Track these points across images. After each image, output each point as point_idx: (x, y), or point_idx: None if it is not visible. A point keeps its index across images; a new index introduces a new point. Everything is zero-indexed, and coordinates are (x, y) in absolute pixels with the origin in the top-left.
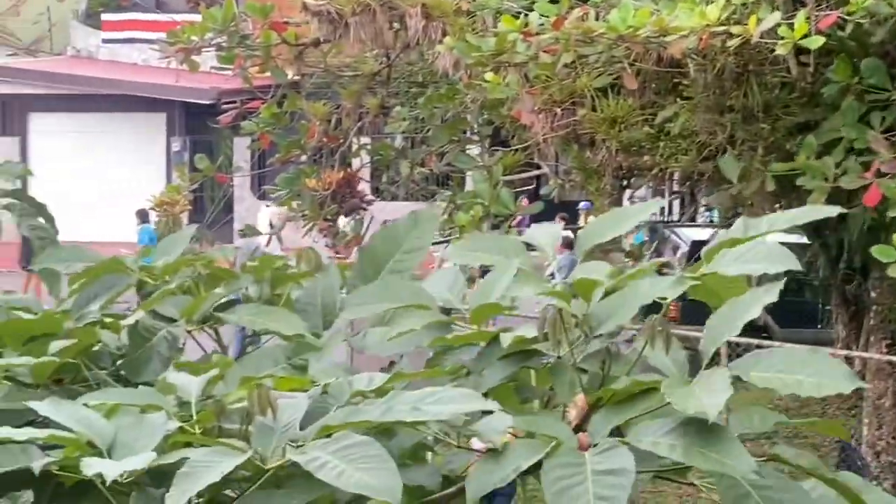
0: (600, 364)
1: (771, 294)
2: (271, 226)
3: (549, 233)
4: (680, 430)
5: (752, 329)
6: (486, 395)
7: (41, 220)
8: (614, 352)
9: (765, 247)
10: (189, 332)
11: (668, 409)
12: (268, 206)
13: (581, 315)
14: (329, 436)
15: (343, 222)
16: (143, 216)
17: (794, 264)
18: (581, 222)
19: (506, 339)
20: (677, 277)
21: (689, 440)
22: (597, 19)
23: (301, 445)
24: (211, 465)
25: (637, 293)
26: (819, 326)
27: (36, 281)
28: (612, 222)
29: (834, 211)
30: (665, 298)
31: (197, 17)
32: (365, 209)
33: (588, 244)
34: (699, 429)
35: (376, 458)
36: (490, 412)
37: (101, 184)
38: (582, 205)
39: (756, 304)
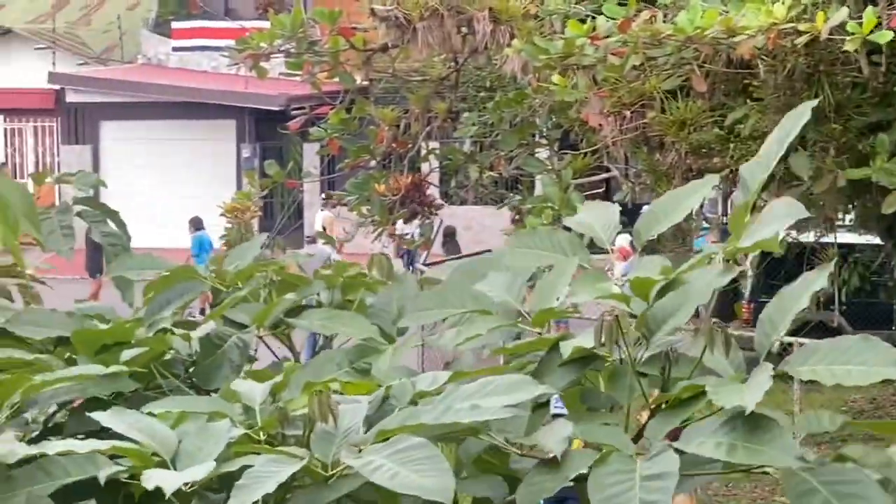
0: (661, 368)
1: (820, 280)
2: (323, 229)
3: (603, 217)
4: (727, 427)
5: (825, 330)
6: (548, 402)
7: (113, 226)
8: (674, 355)
9: (772, 209)
10: (261, 338)
11: (723, 411)
12: (322, 210)
13: (639, 317)
14: (387, 439)
15: (402, 228)
16: (196, 224)
17: (802, 212)
18: None
19: (566, 348)
20: (724, 265)
21: (736, 436)
22: (665, 21)
23: (359, 450)
24: (268, 474)
25: (693, 291)
26: (893, 328)
27: (99, 287)
28: (669, 205)
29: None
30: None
31: (265, 24)
32: (434, 214)
33: (647, 233)
34: (746, 423)
35: (430, 459)
36: (546, 404)
37: (172, 190)
38: (646, 208)
39: (806, 293)
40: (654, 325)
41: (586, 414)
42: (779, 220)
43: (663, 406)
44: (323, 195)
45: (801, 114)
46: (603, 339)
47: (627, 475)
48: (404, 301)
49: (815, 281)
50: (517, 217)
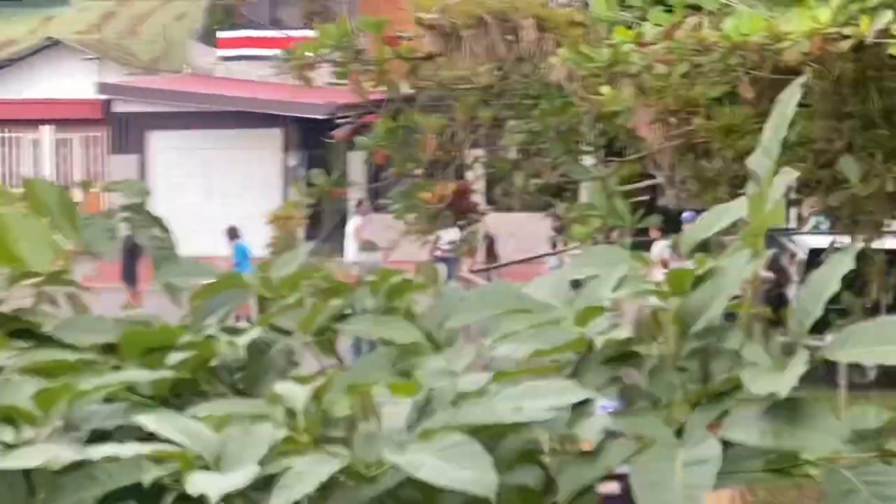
0: (700, 362)
1: (847, 262)
2: (353, 234)
3: (608, 260)
4: (770, 415)
5: None
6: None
7: (159, 232)
8: (712, 348)
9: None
10: (306, 344)
11: (763, 400)
12: (354, 215)
13: (674, 310)
14: (429, 438)
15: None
16: (233, 233)
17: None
18: None
19: (599, 342)
20: (752, 251)
21: (780, 422)
22: (711, 27)
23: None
24: (309, 474)
25: (725, 280)
26: None
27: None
28: (714, 217)
29: None
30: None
31: (311, 33)
32: (478, 221)
33: (691, 242)
34: (788, 410)
35: (473, 454)
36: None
37: (218, 199)
38: (685, 215)
39: (835, 275)
40: (689, 318)
41: (627, 410)
42: (777, 191)
43: (703, 400)
44: (355, 202)
45: (793, 95)
46: (639, 333)
47: (668, 462)
48: (450, 307)
49: (842, 262)
50: (562, 225)
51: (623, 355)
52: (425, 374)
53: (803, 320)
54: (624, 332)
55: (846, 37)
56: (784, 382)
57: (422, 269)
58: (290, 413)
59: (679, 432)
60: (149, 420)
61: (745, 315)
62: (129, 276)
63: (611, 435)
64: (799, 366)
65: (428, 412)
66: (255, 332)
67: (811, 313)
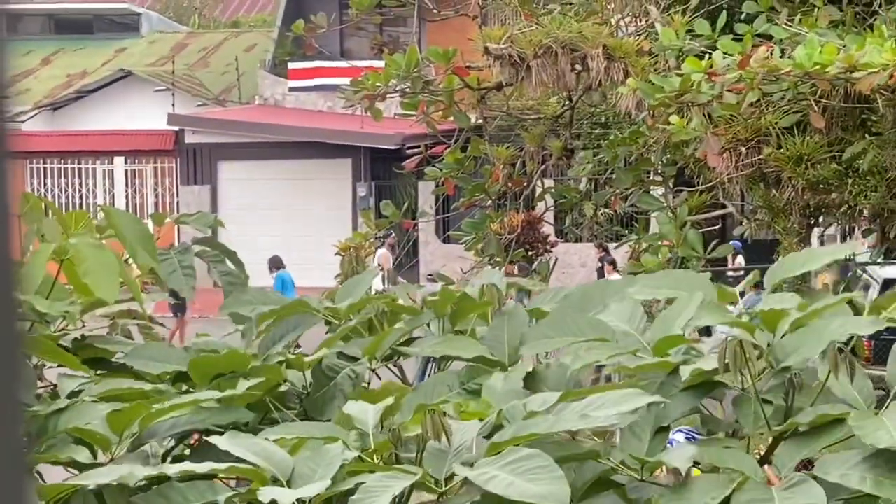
0: (784, 395)
1: None
2: (380, 265)
3: (630, 313)
4: (870, 462)
5: None
6: (668, 428)
7: (231, 265)
8: (798, 382)
9: None
10: (374, 370)
11: (855, 441)
12: (380, 247)
13: (766, 346)
14: (499, 453)
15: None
16: (275, 263)
17: None
18: (730, 264)
19: (685, 371)
20: (873, 316)
21: (880, 472)
22: (781, 56)
23: (472, 465)
24: (382, 489)
25: (828, 328)
26: None
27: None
28: (803, 259)
29: None
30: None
31: (380, 64)
32: (549, 251)
33: (777, 279)
34: (889, 459)
35: (544, 468)
36: (666, 430)
37: (289, 229)
38: (732, 243)
39: None
40: (782, 355)
41: (707, 438)
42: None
43: (788, 434)
44: (380, 234)
45: None
46: (727, 361)
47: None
48: (516, 330)
49: None
50: (634, 255)
51: (705, 384)
52: (494, 394)
53: None
54: (711, 363)
55: None
56: None
57: (487, 293)
58: (361, 434)
59: (761, 463)
60: (222, 441)
61: (832, 349)
62: (176, 307)
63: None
64: None
65: (498, 430)
66: (321, 358)
67: None
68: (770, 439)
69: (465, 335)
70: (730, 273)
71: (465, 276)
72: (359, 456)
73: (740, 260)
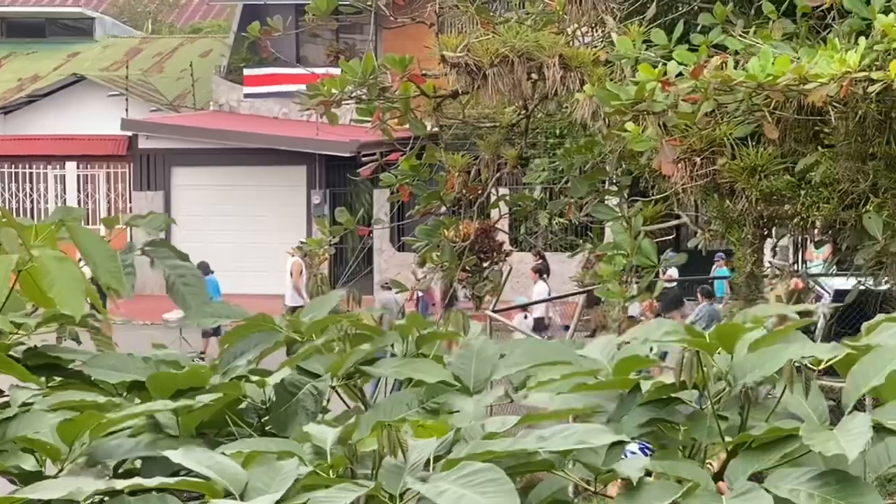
0: (739, 410)
1: None
2: (291, 275)
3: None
4: (820, 480)
5: None
6: (624, 441)
7: (182, 263)
8: (753, 398)
9: None
10: (334, 388)
11: (808, 458)
12: (291, 255)
13: (725, 366)
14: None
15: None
16: (204, 269)
17: None
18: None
19: (645, 386)
20: (834, 345)
21: (828, 490)
22: (736, 67)
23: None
24: (333, 500)
25: (787, 350)
26: None
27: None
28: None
29: None
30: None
31: (336, 71)
32: (502, 260)
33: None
34: (839, 479)
35: (494, 481)
36: (622, 443)
37: (242, 236)
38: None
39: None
40: (739, 374)
41: (662, 453)
42: None
43: (740, 448)
44: (297, 244)
45: None
46: (684, 376)
47: None
48: (486, 360)
49: None
50: (589, 265)
51: (661, 400)
52: (463, 417)
53: (859, 387)
54: (669, 378)
55: (874, 80)
56: (852, 448)
57: (451, 318)
58: (318, 450)
59: (715, 478)
60: (175, 454)
61: (788, 366)
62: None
63: (648, 475)
64: (864, 433)
65: (455, 449)
66: (283, 375)
67: (869, 383)
68: (723, 455)
69: (430, 357)
70: (665, 285)
71: (418, 285)
72: (314, 471)
73: (672, 272)
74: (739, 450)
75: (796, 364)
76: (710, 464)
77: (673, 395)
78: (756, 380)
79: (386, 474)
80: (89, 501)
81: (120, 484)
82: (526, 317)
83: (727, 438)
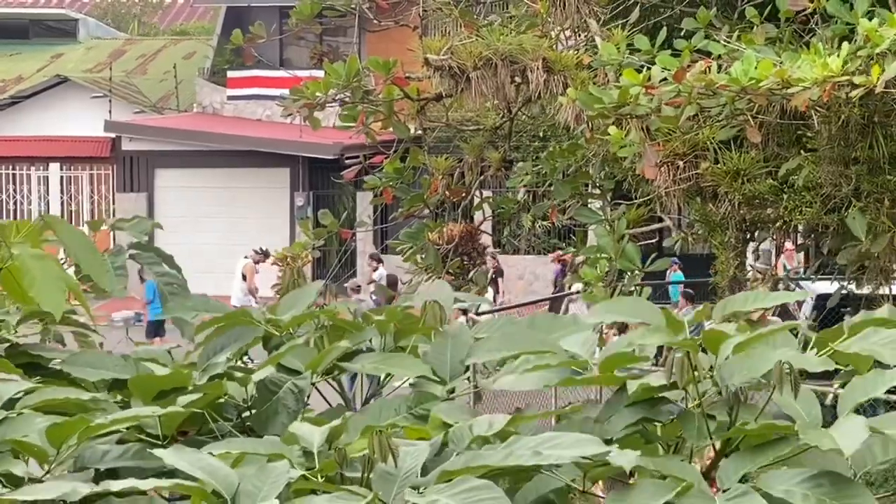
0: (728, 410)
1: None
2: (244, 277)
3: (583, 341)
4: (814, 482)
5: None
6: (611, 441)
7: (167, 268)
8: (742, 396)
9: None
10: (314, 384)
11: (801, 459)
12: (246, 258)
13: (712, 367)
14: (449, 481)
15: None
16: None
17: None
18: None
19: (632, 386)
20: (824, 353)
21: (823, 491)
22: (719, 71)
23: (421, 490)
24: None
25: (774, 354)
26: None
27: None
28: (751, 298)
29: None
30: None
31: (320, 74)
32: (485, 263)
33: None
34: (833, 481)
35: (495, 500)
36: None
37: (226, 238)
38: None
39: None
40: (727, 375)
41: (648, 451)
42: None
43: (731, 449)
44: (252, 249)
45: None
46: (674, 377)
47: None
48: (460, 349)
49: None
50: (570, 268)
51: (649, 400)
52: (442, 413)
53: (856, 397)
54: (657, 379)
55: (856, 85)
56: (848, 445)
57: (429, 310)
58: (306, 453)
59: (705, 476)
60: (166, 454)
61: (778, 367)
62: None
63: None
64: (861, 433)
65: (445, 455)
66: (264, 372)
67: (867, 394)
68: (711, 455)
69: (407, 351)
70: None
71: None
72: (303, 476)
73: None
74: (730, 447)
75: (786, 365)
76: (696, 462)
77: (661, 395)
78: (744, 381)
79: (378, 481)
80: (70, 501)
81: (115, 486)
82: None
83: (716, 438)
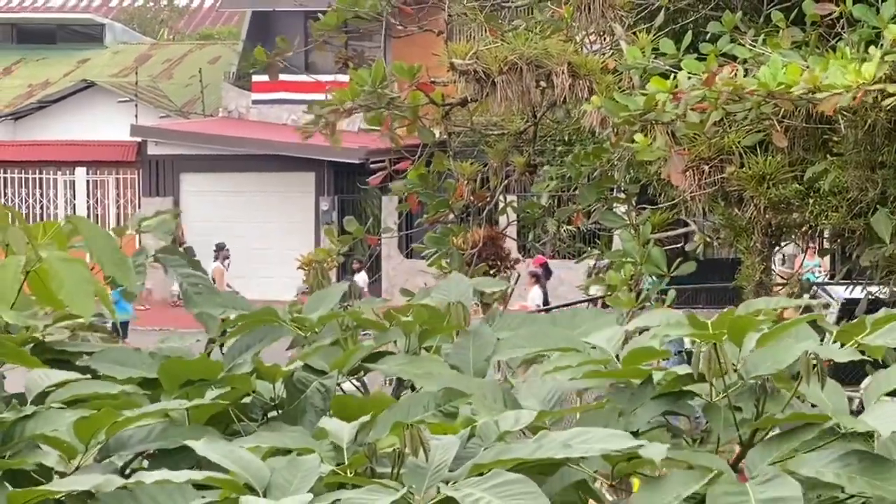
0: (755, 402)
1: None
2: (213, 280)
3: (610, 334)
4: (843, 461)
5: None
6: (636, 433)
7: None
8: (769, 388)
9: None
10: (339, 384)
11: (829, 446)
12: (214, 262)
13: (737, 358)
14: (481, 474)
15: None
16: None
17: None
18: None
19: (658, 375)
20: (851, 347)
21: (852, 469)
22: (745, 76)
23: (454, 484)
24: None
25: (799, 346)
26: None
27: None
28: (776, 302)
29: None
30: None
31: (345, 78)
32: (511, 268)
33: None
34: (862, 458)
35: (529, 494)
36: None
37: (251, 242)
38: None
39: None
40: (752, 367)
41: (672, 441)
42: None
43: (758, 439)
44: (215, 247)
45: None
46: (701, 368)
47: (741, 497)
48: (483, 348)
49: None
50: (596, 272)
51: (675, 392)
52: (470, 413)
53: (881, 389)
54: (683, 369)
55: (888, 94)
56: (885, 427)
57: (452, 311)
58: (336, 448)
59: (732, 468)
60: (198, 446)
61: (805, 358)
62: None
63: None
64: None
65: (472, 449)
66: (292, 371)
67: (892, 386)
68: (737, 448)
69: (432, 352)
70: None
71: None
72: (332, 470)
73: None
74: (758, 438)
75: (812, 355)
76: (727, 458)
77: (686, 388)
78: (770, 372)
79: (409, 475)
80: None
81: (148, 478)
82: None
83: (743, 430)
